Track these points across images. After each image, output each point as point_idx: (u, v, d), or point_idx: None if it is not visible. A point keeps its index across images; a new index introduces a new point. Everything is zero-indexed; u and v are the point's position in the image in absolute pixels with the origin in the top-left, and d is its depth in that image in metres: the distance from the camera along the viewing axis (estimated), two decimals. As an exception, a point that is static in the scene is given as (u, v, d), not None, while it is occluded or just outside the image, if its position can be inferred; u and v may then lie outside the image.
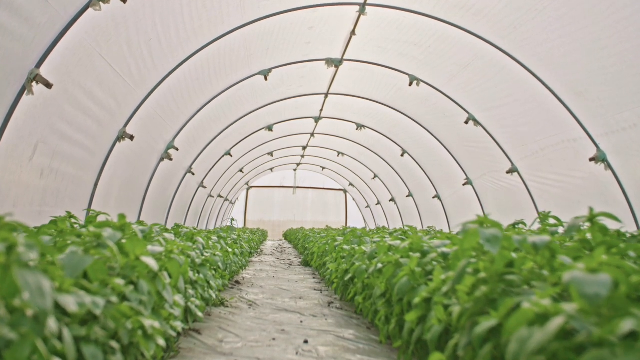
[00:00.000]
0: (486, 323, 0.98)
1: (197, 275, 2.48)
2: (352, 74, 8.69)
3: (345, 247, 3.57)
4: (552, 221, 2.64)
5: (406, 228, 4.52)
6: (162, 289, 1.51)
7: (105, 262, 1.29)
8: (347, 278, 3.14)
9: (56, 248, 1.53)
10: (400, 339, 1.83)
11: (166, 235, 2.75)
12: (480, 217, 1.39)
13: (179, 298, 1.73)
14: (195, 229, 7.53)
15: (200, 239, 2.92)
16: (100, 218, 2.25)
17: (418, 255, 1.83)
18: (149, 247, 1.62)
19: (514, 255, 1.27)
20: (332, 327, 2.97)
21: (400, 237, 3.37)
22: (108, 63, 4.92)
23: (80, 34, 4.15)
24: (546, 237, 1.15)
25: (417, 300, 1.55)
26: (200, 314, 2.27)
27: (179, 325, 1.71)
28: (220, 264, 3.17)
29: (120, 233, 1.39)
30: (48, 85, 3.92)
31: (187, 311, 2.27)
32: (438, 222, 11.61)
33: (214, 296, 2.85)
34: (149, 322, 1.22)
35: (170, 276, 1.67)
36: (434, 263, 1.90)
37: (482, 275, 1.20)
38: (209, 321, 2.94)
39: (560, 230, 2.39)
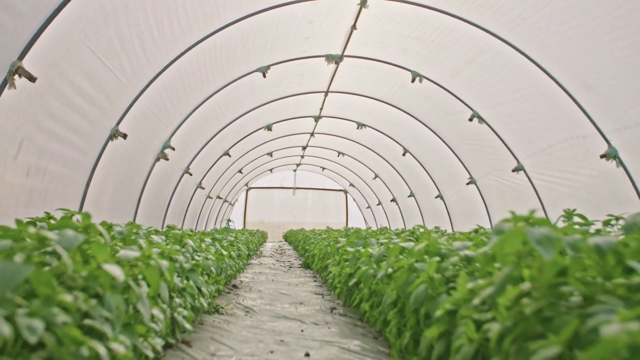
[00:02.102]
0: (546, 351, 0.75)
1: (185, 282, 2.23)
2: (352, 70, 8.46)
3: (349, 249, 3.32)
4: (576, 219, 2.41)
5: (416, 228, 4.27)
6: (136, 301, 1.28)
7: (59, 272, 1.06)
8: (351, 283, 2.90)
9: (13, 254, 1.29)
10: (416, 356, 1.59)
11: (154, 237, 2.52)
12: (514, 214, 1.16)
13: (157, 311, 1.49)
14: (192, 230, 7.29)
15: (190, 242, 2.67)
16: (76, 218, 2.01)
17: (437, 259, 1.59)
18: (122, 252, 1.38)
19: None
20: (336, 337, 2.73)
21: (408, 237, 3.13)
22: (98, 57, 4.69)
23: (66, 25, 3.91)
24: (612, 238, 0.92)
25: (439, 312, 1.32)
26: (188, 325, 2.03)
27: (158, 342, 1.47)
28: (213, 268, 2.92)
29: (82, 235, 1.15)
30: (31, 79, 3.69)
31: (174, 322, 2.03)
32: (440, 223, 11.39)
33: (205, 305, 2.61)
34: (108, 347, 0.99)
35: (148, 285, 1.43)
36: (450, 268, 1.67)
37: (527, 285, 0.97)
38: (201, 331, 2.69)
39: (591, 230, 2.16)
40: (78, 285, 1.10)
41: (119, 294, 1.19)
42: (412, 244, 1.91)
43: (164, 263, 1.58)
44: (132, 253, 1.38)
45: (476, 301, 1.11)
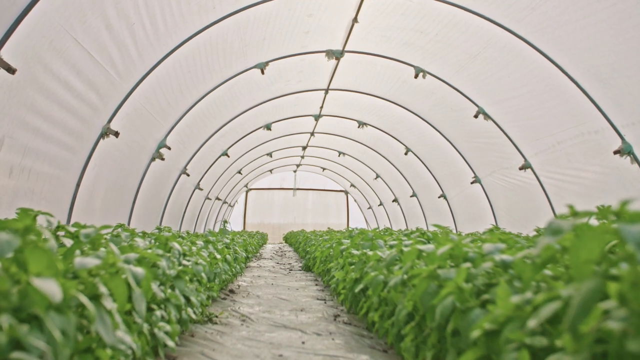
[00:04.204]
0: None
1: (169, 291, 1.97)
2: (353, 67, 8.21)
3: (354, 251, 3.06)
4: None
5: (420, 228, 4.00)
6: (93, 322, 1.02)
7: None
8: (357, 289, 2.64)
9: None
10: (440, 381, 1.34)
11: (138, 240, 2.25)
12: (573, 208, 0.90)
13: (121, 333, 1.23)
14: (188, 232, 7.02)
15: (176, 245, 2.40)
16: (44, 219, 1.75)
17: (469, 265, 1.33)
18: (78, 260, 1.13)
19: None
20: (341, 350, 2.46)
21: (419, 239, 2.87)
22: (86, 50, 4.43)
23: (48, 13, 3.66)
24: None
25: (475, 333, 1.06)
26: (171, 342, 1.77)
27: (127, 370, 1.22)
28: (203, 274, 2.66)
29: (18, 239, 0.89)
30: (10, 70, 3.43)
31: (155, 339, 1.77)
32: (444, 223, 11.14)
33: (193, 316, 2.34)
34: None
35: (114, 299, 1.18)
36: (480, 276, 1.41)
37: (610, 304, 0.72)
38: (190, 344, 2.43)
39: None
40: (9, 306, 0.85)
41: (68, 314, 0.93)
42: (431, 246, 1.65)
43: (139, 271, 1.32)
44: (91, 261, 1.12)
45: (533, 323, 0.85)
